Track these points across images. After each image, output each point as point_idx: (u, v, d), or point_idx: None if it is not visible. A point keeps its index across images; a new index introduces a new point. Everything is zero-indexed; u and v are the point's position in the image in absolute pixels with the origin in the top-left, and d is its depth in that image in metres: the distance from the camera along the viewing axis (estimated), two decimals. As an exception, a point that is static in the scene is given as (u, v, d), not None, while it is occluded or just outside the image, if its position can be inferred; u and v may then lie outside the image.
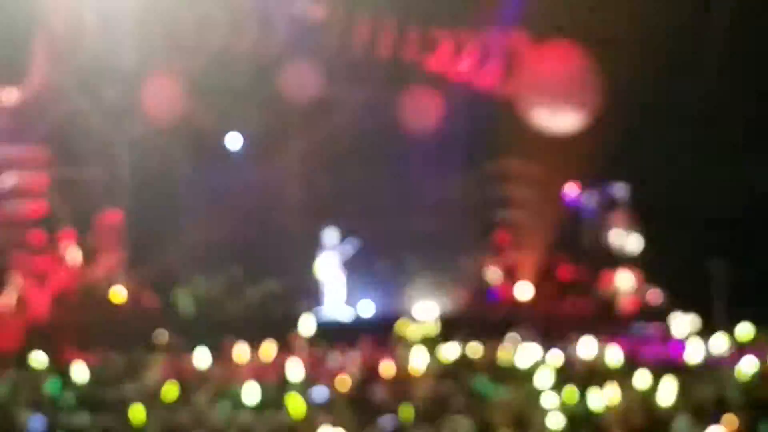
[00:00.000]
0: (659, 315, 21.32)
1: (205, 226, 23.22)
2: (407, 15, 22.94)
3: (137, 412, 12.13)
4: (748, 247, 21.85)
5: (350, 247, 22.67)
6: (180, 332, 18.74)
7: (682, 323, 19.95)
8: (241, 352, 16.67)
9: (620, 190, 23.79)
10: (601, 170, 23.15)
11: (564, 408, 12.58)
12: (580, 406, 12.90)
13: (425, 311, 22.52)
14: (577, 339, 17.59)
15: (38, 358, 15.34)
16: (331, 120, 25.19)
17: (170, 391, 13.27)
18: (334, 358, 16.70)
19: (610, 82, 22.39)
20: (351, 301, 22.99)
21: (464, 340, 17.79)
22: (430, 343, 17.89)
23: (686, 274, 21.96)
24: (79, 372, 14.90)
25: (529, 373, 15.05)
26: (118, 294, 21.47)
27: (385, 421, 11.87)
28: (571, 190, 24.14)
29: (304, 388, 13.63)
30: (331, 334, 18.45)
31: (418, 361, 15.88)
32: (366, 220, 24.53)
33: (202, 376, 15.27)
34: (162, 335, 17.95)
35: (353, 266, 23.08)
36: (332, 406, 12.75)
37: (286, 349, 17.05)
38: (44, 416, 12.13)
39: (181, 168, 24.14)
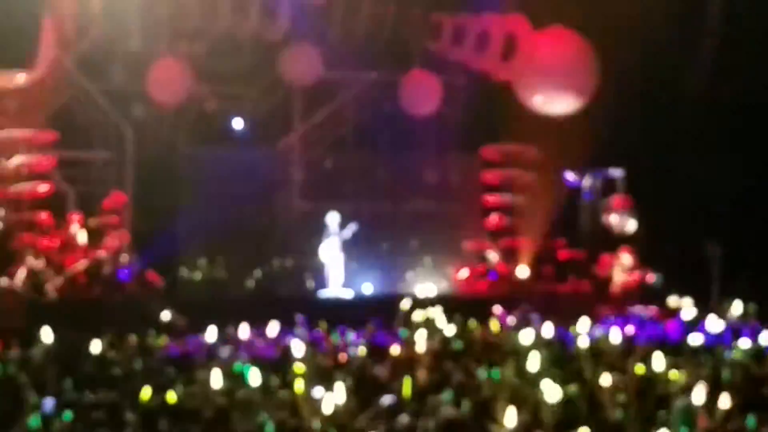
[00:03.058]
0: (656, 296, 21.41)
1: (209, 207, 23.35)
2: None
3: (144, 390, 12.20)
4: (742, 230, 21.96)
5: (351, 229, 22.75)
6: (185, 312, 18.92)
7: (679, 304, 20.07)
8: (245, 331, 16.79)
9: (618, 174, 23.95)
10: (599, 154, 23.22)
11: (562, 387, 12.64)
12: (578, 385, 12.97)
13: (425, 292, 22.68)
14: (575, 320, 17.70)
15: (46, 337, 15.41)
16: (333, 103, 25.37)
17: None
18: (336, 336, 16.82)
19: (608, 68, 22.44)
20: (352, 281, 23.14)
21: (463, 319, 17.96)
22: (430, 322, 18.03)
23: (683, 256, 22.13)
24: (87, 350, 15.02)
25: (527, 353, 15.14)
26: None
27: (386, 398, 11.94)
28: (569, 174, 24.23)
29: (307, 366, 13.71)
30: (333, 313, 18.56)
31: (419, 340, 16.02)
32: (367, 203, 24.70)
33: (207, 355, 15.38)
34: (167, 315, 18.07)
35: (355, 247, 23.21)
36: (335, 383, 12.83)
37: (289, 328, 17.16)
38: (52, 393, 12.18)
39: (185, 150, 24.31)
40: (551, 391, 11.99)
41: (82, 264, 21.10)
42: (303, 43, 23.36)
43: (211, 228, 23.48)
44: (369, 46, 23.43)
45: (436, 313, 18.49)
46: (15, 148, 22.30)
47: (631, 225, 23.42)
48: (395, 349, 15.56)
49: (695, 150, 22.12)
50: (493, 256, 23.79)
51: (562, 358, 14.92)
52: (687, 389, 12.48)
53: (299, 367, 13.55)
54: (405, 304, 19.03)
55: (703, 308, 19.30)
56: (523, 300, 20.37)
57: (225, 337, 16.52)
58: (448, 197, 25.68)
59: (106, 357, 15.10)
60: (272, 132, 25.25)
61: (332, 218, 22.88)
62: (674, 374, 13.47)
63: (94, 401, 12.23)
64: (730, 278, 21.42)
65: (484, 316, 18.33)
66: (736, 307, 18.50)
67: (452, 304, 19.18)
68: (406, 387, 12.37)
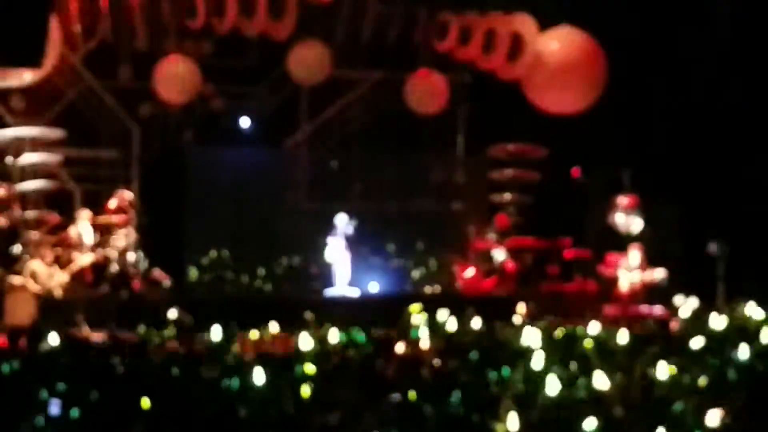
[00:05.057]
0: (662, 296, 21.37)
1: (215, 206, 23.38)
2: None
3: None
4: (749, 228, 21.96)
5: (356, 228, 22.74)
6: (191, 310, 18.90)
7: (684, 304, 20.02)
8: (250, 329, 16.77)
9: (624, 172, 23.89)
10: (605, 153, 23.20)
11: (566, 388, 12.63)
12: (582, 386, 12.97)
13: (431, 291, 22.67)
14: (580, 319, 17.66)
15: (52, 335, 15.40)
16: (340, 102, 25.37)
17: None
18: (343, 335, 16.79)
19: (614, 66, 22.42)
20: (359, 280, 23.13)
21: (469, 319, 17.94)
22: (436, 322, 18.01)
23: (689, 255, 22.12)
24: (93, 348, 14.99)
25: (532, 353, 15.12)
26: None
27: (392, 398, 11.94)
28: (575, 172, 24.20)
29: (313, 365, 13.70)
30: (340, 312, 18.54)
31: (424, 340, 16.00)
32: (373, 202, 24.71)
33: (214, 353, 15.36)
34: (173, 313, 18.03)
35: (360, 247, 23.20)
36: (340, 383, 12.82)
37: (295, 327, 17.13)
38: (58, 393, 12.16)
39: (192, 149, 24.33)
40: (555, 391, 12.00)
41: (87, 257, 21.09)
42: (309, 41, 23.33)
43: (217, 227, 23.52)
44: (376, 44, 23.40)
45: (442, 312, 18.47)
46: (22, 146, 22.34)
47: (637, 224, 23.39)
48: (401, 348, 15.57)
49: (702, 147, 22.12)
50: (499, 255, 23.76)
51: (567, 358, 14.89)
52: (692, 390, 12.49)
53: (307, 367, 13.55)
54: (411, 302, 19.02)
55: (709, 308, 19.26)
56: (529, 299, 20.36)
57: (231, 336, 16.51)
58: (454, 196, 25.69)
59: (112, 355, 15.09)
60: (279, 131, 25.28)
61: (341, 219, 22.87)
62: (679, 374, 13.47)
63: (99, 399, 12.22)
64: (736, 277, 21.39)
65: (489, 315, 18.30)
66: (741, 308, 18.44)
67: (458, 303, 19.14)
68: (412, 389, 12.36)
